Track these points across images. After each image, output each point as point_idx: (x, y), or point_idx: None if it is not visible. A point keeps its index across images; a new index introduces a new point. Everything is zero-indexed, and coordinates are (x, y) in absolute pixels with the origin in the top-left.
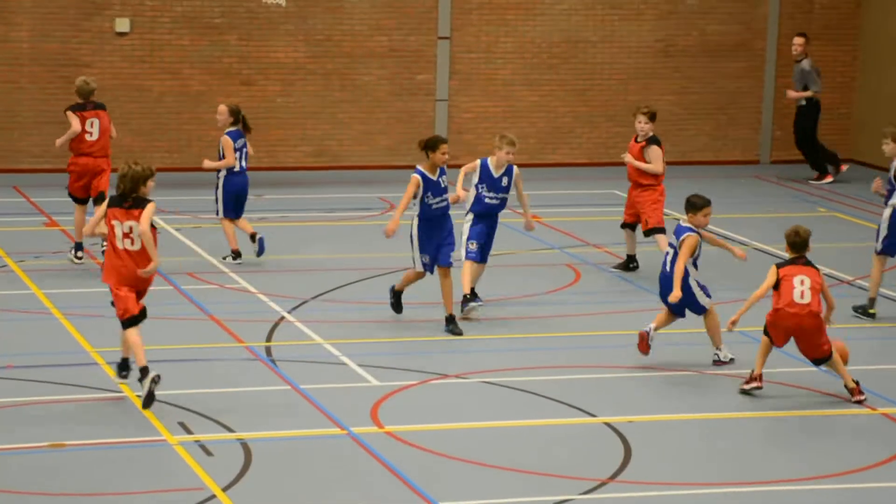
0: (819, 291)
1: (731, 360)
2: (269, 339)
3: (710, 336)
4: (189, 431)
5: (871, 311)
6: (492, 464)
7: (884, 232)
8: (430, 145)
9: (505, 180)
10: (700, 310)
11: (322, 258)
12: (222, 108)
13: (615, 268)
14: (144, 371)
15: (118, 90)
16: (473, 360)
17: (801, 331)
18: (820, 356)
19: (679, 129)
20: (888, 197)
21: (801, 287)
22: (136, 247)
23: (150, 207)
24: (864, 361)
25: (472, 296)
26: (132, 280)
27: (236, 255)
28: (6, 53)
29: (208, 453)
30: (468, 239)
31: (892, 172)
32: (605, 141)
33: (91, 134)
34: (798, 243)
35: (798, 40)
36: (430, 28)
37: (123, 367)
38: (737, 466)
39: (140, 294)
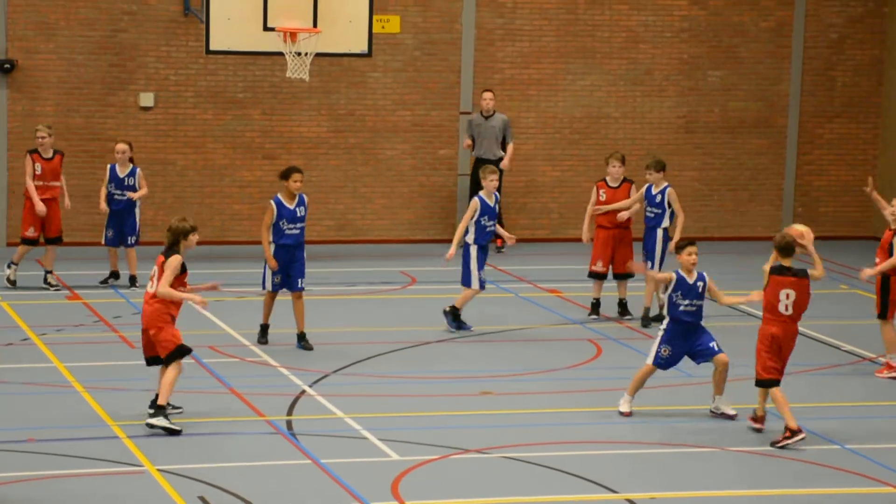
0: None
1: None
2: (290, 412)
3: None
4: None
5: (652, 316)
6: None
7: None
8: (284, 175)
9: (497, 207)
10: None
11: (343, 332)
12: (124, 146)
13: (591, 315)
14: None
15: (142, 164)
16: (494, 434)
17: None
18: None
19: (700, 205)
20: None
21: (785, 301)
22: (151, 289)
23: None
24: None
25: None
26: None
27: (115, 275)
28: (31, 128)
29: None
30: (479, 269)
31: (657, 199)
32: None
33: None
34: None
35: (487, 95)
36: (453, 103)
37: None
38: None
39: (151, 337)
